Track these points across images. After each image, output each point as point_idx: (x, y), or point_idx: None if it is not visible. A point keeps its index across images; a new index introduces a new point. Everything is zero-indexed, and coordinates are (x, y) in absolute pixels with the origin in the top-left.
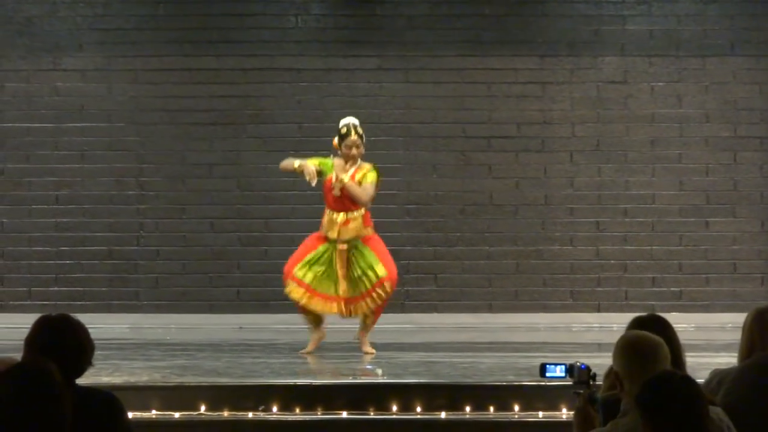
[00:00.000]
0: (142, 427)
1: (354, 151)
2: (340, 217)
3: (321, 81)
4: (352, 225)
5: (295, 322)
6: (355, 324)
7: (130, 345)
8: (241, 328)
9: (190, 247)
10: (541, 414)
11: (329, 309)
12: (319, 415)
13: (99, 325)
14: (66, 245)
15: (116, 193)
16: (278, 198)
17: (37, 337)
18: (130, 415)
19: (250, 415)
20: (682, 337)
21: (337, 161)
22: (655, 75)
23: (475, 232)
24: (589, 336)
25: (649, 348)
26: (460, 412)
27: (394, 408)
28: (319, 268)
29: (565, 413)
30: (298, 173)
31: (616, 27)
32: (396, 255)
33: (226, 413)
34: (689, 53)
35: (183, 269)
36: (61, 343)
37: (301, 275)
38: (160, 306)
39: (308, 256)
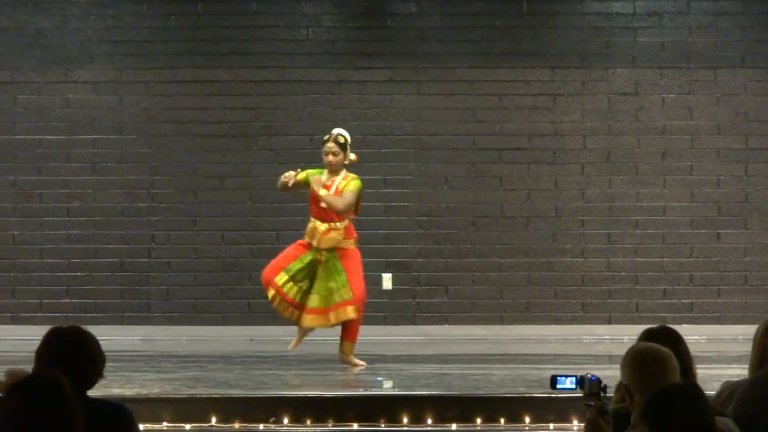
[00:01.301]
0: None
1: (330, 157)
2: (323, 226)
3: (332, 93)
4: (332, 234)
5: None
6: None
7: (141, 357)
8: (252, 339)
9: (201, 259)
10: (552, 426)
11: (298, 318)
12: (330, 426)
13: (110, 336)
14: (77, 257)
15: (128, 205)
16: (289, 210)
17: (48, 349)
18: (142, 427)
19: (261, 427)
20: (694, 349)
21: (318, 177)
22: (666, 87)
23: (486, 244)
24: (600, 348)
25: (657, 360)
26: (472, 424)
27: (405, 420)
28: (303, 284)
29: (576, 425)
30: (287, 188)
31: (628, 39)
32: (407, 267)
33: (237, 425)
34: (700, 65)
35: (194, 281)
36: (72, 355)
37: (283, 285)
38: (171, 318)
39: (290, 265)
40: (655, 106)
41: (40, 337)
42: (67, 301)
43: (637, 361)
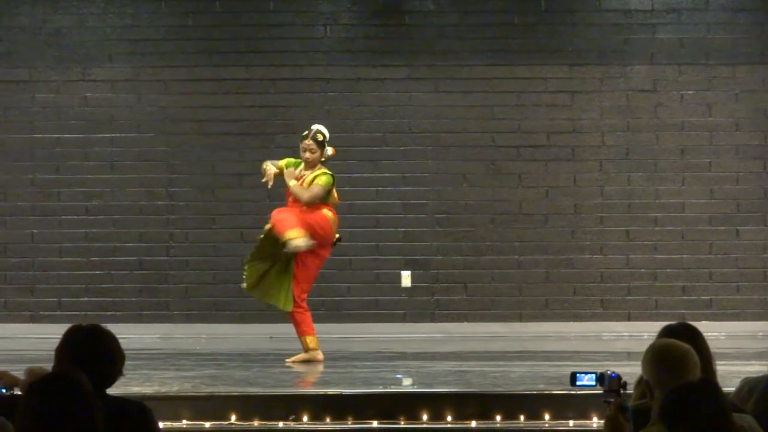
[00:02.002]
0: None
1: (307, 154)
2: None
3: (350, 91)
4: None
5: (325, 331)
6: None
7: (160, 355)
8: (271, 337)
9: (220, 257)
10: (571, 423)
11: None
12: (349, 424)
13: (129, 335)
14: (96, 256)
15: (146, 203)
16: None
17: (68, 348)
18: (161, 425)
19: (281, 424)
20: (713, 346)
21: (291, 168)
22: (684, 83)
23: (504, 242)
24: (619, 345)
25: (678, 356)
26: (491, 421)
27: (425, 417)
28: (260, 267)
29: (595, 422)
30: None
31: (646, 36)
32: (426, 264)
33: (256, 423)
34: (719, 61)
35: (213, 279)
36: (91, 354)
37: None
38: (190, 316)
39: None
40: (673, 102)
41: (60, 336)
42: (86, 299)
43: (657, 357)
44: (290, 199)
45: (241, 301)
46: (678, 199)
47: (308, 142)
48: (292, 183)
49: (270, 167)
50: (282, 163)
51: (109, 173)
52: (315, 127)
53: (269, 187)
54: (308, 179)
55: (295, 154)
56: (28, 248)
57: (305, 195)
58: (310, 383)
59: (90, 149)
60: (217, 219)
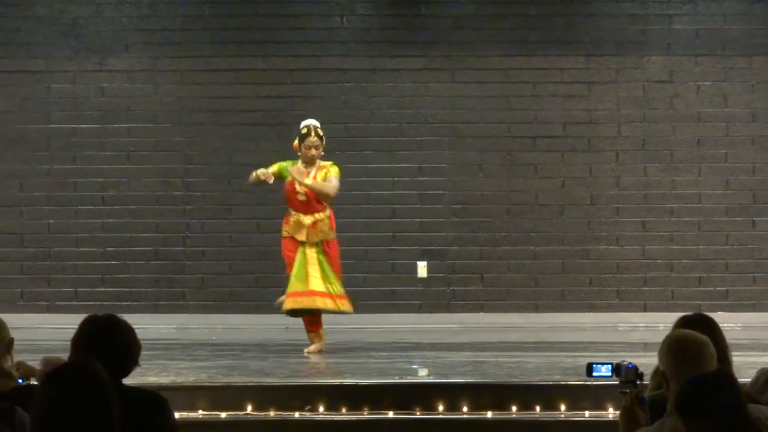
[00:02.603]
0: (188, 427)
1: (313, 151)
2: (307, 219)
3: (366, 81)
4: (319, 227)
5: (341, 322)
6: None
7: (176, 345)
8: (287, 328)
9: (236, 248)
10: (587, 413)
11: (311, 303)
12: (365, 414)
13: (145, 325)
14: (112, 246)
15: (162, 193)
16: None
17: (84, 338)
18: (177, 415)
19: (297, 415)
20: (729, 337)
21: (296, 166)
22: (701, 74)
23: (521, 232)
24: (635, 336)
25: (695, 347)
26: (507, 412)
27: (441, 408)
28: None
29: (611, 413)
30: (260, 182)
31: (662, 26)
32: (442, 255)
33: (272, 413)
34: (735, 52)
35: (229, 269)
36: (107, 343)
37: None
38: (206, 306)
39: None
40: (690, 93)
41: (76, 326)
42: (102, 289)
43: (674, 348)
44: (295, 202)
45: (257, 291)
46: (694, 190)
47: (313, 138)
48: (308, 181)
49: (265, 170)
50: (275, 167)
51: (126, 163)
52: (311, 122)
53: (270, 183)
54: (321, 175)
55: None
56: (44, 238)
57: (331, 189)
58: (326, 374)
59: (106, 139)
60: (233, 209)
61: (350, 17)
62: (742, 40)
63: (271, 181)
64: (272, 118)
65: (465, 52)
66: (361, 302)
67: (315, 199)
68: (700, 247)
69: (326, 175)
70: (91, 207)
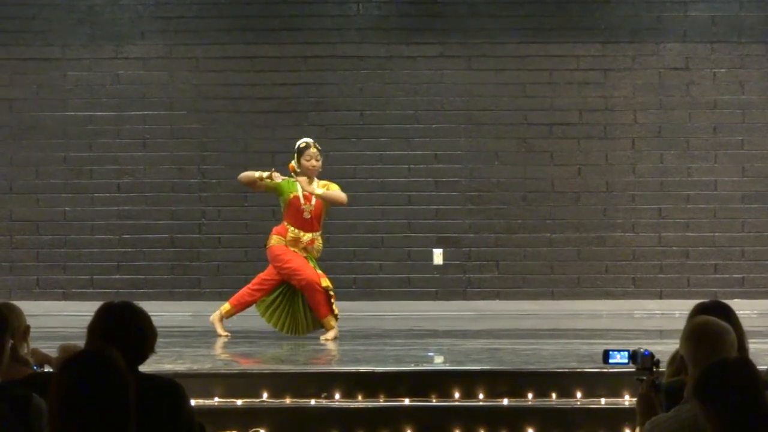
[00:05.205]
0: (204, 414)
1: (314, 162)
2: (307, 237)
3: (383, 68)
4: (315, 245)
5: (357, 309)
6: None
7: (192, 332)
8: None
9: (251, 235)
10: (603, 401)
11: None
12: (381, 402)
13: (161, 312)
14: (128, 233)
15: (178, 181)
16: (339, 185)
17: (100, 325)
18: (193, 402)
19: (313, 402)
20: (745, 324)
21: (303, 178)
22: (717, 61)
23: (537, 219)
24: (651, 323)
25: (716, 334)
26: (523, 399)
27: (456, 395)
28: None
29: (627, 400)
30: (261, 184)
31: (678, 13)
32: (458, 242)
33: (288, 400)
34: (751, 39)
35: (245, 257)
36: (123, 331)
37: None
38: (222, 294)
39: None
40: (706, 80)
41: (92, 313)
42: (118, 277)
43: (696, 334)
44: (298, 218)
45: None
46: (710, 177)
47: (314, 151)
48: (319, 191)
49: (277, 173)
50: (279, 182)
51: (142, 151)
52: (306, 139)
53: (279, 181)
54: (321, 185)
55: (328, 132)
56: (60, 226)
57: (343, 196)
58: (342, 361)
59: (122, 127)
60: (248, 197)
61: (366, 4)
62: (759, 27)
63: (280, 179)
64: (288, 106)
65: (481, 40)
66: (377, 289)
67: (316, 218)
68: (716, 234)
69: (327, 187)
70: (107, 194)
